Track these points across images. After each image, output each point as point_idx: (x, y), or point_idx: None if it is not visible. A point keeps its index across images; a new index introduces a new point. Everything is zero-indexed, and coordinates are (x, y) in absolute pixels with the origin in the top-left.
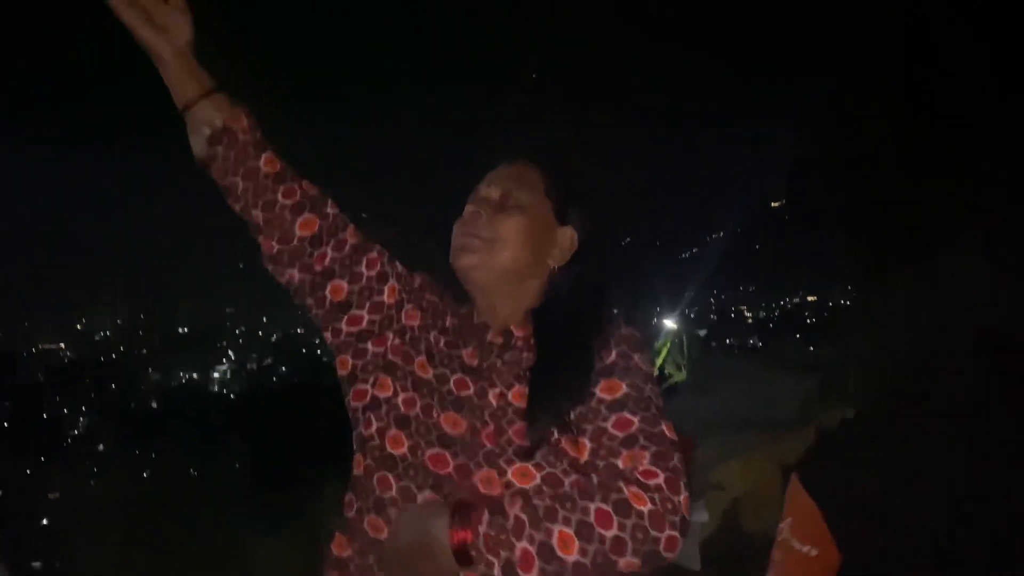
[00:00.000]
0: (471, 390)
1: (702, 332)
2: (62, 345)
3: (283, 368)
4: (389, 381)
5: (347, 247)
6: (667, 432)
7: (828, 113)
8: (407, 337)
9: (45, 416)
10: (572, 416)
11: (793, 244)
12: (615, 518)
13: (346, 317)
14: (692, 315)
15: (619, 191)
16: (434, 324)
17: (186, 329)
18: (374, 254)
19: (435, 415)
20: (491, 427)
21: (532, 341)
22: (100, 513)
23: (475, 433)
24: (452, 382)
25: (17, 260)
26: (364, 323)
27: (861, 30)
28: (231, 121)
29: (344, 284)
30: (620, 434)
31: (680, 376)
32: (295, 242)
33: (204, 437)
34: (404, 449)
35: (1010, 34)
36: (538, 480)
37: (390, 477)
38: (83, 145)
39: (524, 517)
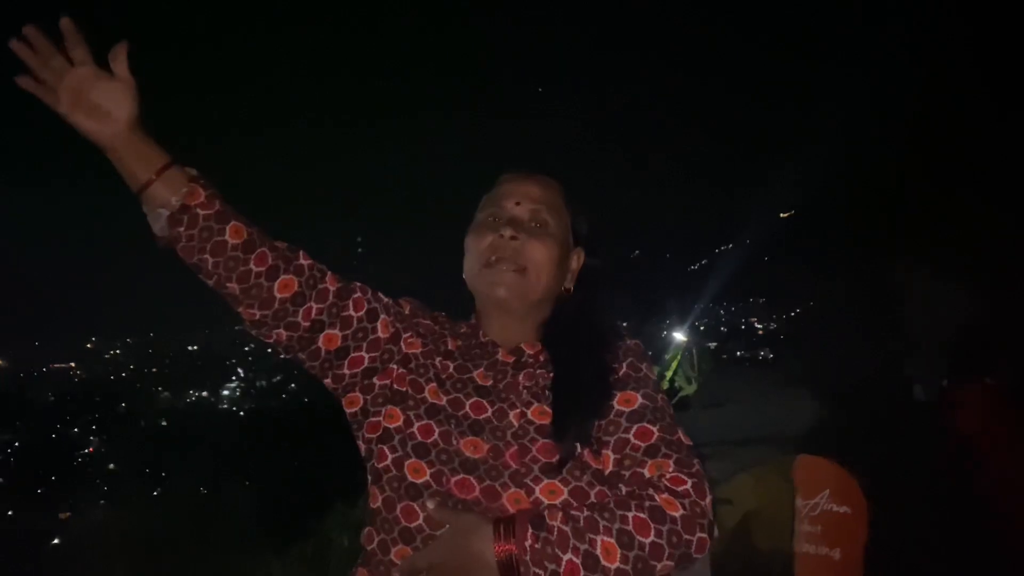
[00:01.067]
0: (488, 412)
1: (712, 345)
2: (72, 364)
3: (292, 385)
4: (398, 411)
5: (330, 296)
6: (684, 439)
7: (838, 129)
8: (412, 366)
9: (55, 436)
10: (595, 430)
11: (803, 255)
12: (652, 525)
13: (346, 361)
14: (702, 327)
15: (625, 205)
16: (436, 349)
17: (196, 347)
18: (358, 294)
19: (454, 441)
20: (514, 447)
21: (542, 358)
22: (111, 532)
23: (498, 455)
24: (468, 406)
25: (27, 280)
26: (366, 362)
27: (871, 56)
28: (188, 199)
29: (336, 332)
30: (642, 444)
31: (690, 389)
32: (276, 305)
33: (214, 456)
34: (427, 477)
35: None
36: (566, 495)
37: (415, 506)
38: (94, 165)
39: (567, 529)
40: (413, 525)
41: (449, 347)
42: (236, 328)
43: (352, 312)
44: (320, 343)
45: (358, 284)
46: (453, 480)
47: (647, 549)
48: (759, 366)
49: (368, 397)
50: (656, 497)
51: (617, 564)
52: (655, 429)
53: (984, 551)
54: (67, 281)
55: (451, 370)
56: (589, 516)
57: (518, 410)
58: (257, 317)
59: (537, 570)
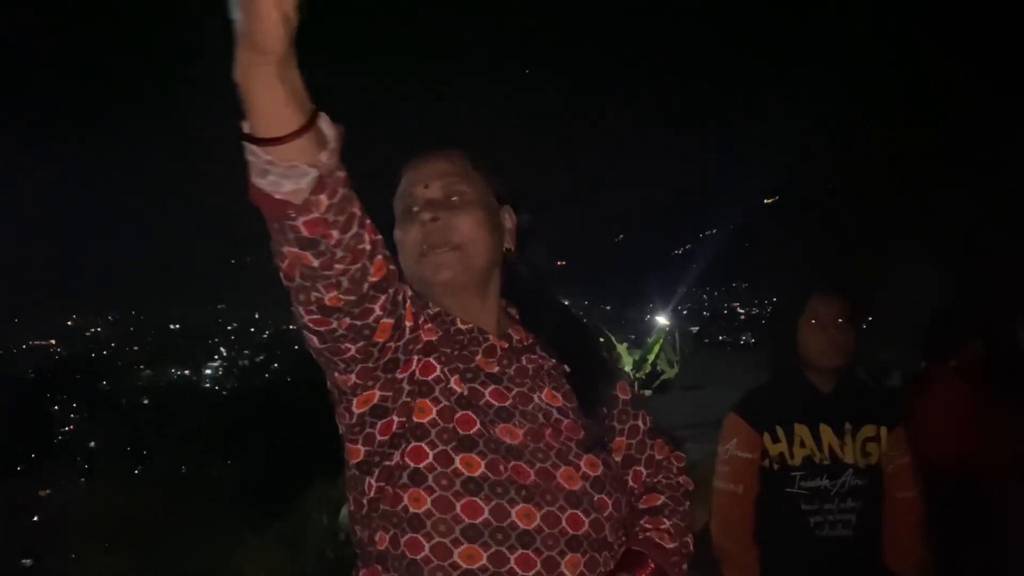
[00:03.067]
0: (510, 398)
1: (695, 329)
2: (52, 342)
3: (275, 364)
4: (428, 404)
5: (395, 280)
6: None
7: (824, 114)
8: (436, 355)
9: (35, 413)
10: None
11: (786, 241)
12: (685, 512)
13: (381, 352)
14: (685, 312)
15: (611, 188)
16: (447, 337)
17: (178, 325)
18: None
19: (491, 430)
20: (549, 428)
21: (530, 341)
22: (91, 509)
23: (538, 437)
24: (488, 394)
25: (6, 257)
26: (391, 352)
27: (854, 43)
28: (341, 169)
29: (389, 321)
30: (645, 427)
31: (672, 372)
32: (365, 288)
33: (196, 434)
34: (483, 468)
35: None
36: (602, 467)
37: (478, 501)
38: (74, 143)
39: (677, 546)
40: (479, 520)
41: (431, 339)
42: (219, 307)
43: (400, 297)
44: (376, 337)
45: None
46: (510, 467)
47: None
48: (740, 350)
49: (388, 394)
50: (681, 481)
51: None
52: (646, 414)
53: (950, 525)
54: (47, 257)
55: (455, 360)
56: (677, 523)
57: (537, 394)
58: (341, 304)
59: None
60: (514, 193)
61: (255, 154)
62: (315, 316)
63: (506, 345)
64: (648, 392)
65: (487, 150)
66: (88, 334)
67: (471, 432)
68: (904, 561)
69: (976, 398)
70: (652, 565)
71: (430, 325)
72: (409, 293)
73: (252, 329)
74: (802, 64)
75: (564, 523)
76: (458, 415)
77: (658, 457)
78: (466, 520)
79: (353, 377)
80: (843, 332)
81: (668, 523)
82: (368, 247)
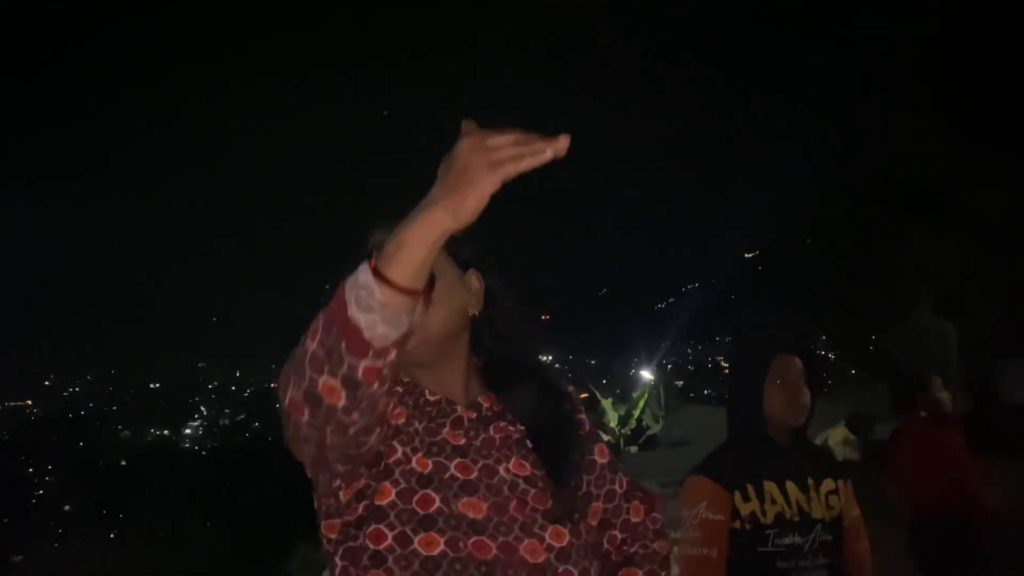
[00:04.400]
0: (475, 471)
1: (679, 383)
2: (29, 402)
3: (256, 423)
4: (388, 486)
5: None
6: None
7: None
8: (401, 437)
9: (10, 475)
10: (585, 484)
11: (769, 295)
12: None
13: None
14: (669, 366)
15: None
16: (412, 415)
17: (158, 384)
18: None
19: (453, 505)
20: (514, 501)
21: (498, 409)
22: (66, 574)
23: (502, 511)
24: (453, 468)
25: None
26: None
27: (830, 98)
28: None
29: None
30: (621, 490)
31: (657, 428)
32: (365, 446)
33: (175, 496)
34: (442, 546)
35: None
36: (568, 536)
37: None
38: (53, 201)
39: None
40: None
41: (416, 409)
42: (200, 365)
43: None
44: (364, 457)
45: None
46: (470, 543)
47: None
48: (725, 404)
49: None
50: (656, 549)
51: None
52: (623, 476)
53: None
54: (24, 315)
55: (421, 434)
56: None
57: (504, 465)
58: (338, 444)
59: None
60: (480, 255)
61: (371, 292)
62: (311, 450)
63: (474, 415)
64: (634, 449)
65: None
66: (66, 394)
67: (431, 511)
68: None
69: (947, 446)
70: None
71: (398, 409)
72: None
73: (233, 387)
74: (783, 114)
75: None
76: (418, 495)
77: (634, 520)
78: None
79: (339, 481)
80: (806, 391)
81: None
82: (382, 411)
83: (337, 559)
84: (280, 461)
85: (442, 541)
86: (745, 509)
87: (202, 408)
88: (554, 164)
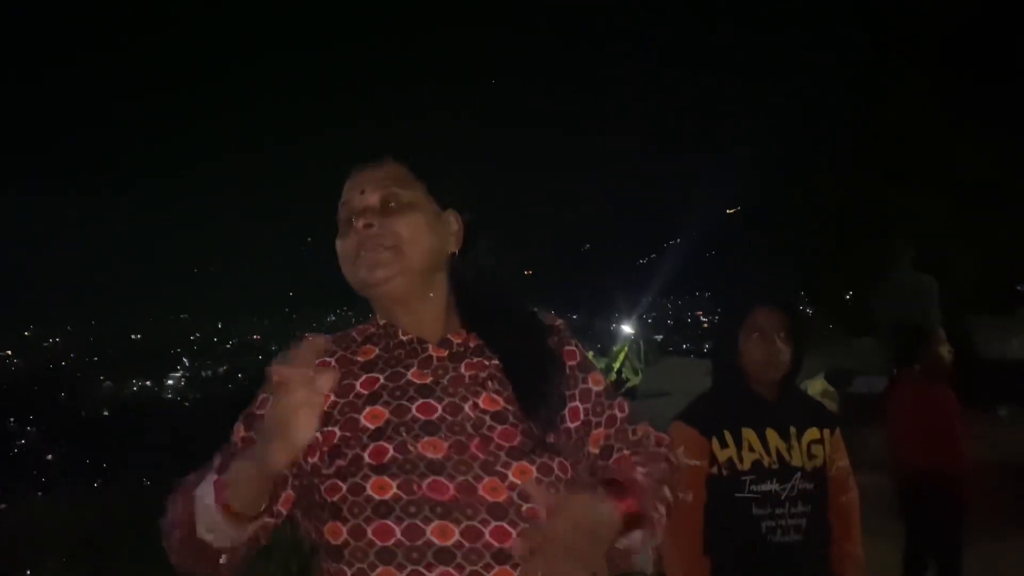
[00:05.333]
0: (439, 410)
1: (659, 337)
2: (9, 353)
3: (239, 375)
4: (340, 460)
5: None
6: None
7: (784, 125)
8: (335, 415)
9: None
10: (578, 411)
11: (749, 250)
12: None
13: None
14: (649, 320)
15: (579, 198)
16: (352, 374)
17: (139, 336)
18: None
19: (412, 448)
20: (477, 439)
21: (472, 344)
22: (49, 525)
23: (462, 449)
24: (415, 409)
25: None
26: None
27: (815, 52)
28: (250, 543)
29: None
30: (622, 414)
31: (636, 380)
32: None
33: (158, 446)
34: (395, 490)
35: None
36: (535, 472)
37: (389, 523)
38: (35, 155)
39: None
40: (391, 542)
41: (367, 359)
42: (181, 316)
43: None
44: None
45: None
46: (424, 484)
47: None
48: (704, 358)
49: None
50: (664, 451)
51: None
52: (624, 402)
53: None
54: (2, 267)
55: (382, 381)
56: (647, 473)
57: (470, 402)
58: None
59: (654, 512)
60: (460, 196)
61: (214, 514)
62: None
63: (444, 353)
64: None
65: (452, 157)
66: (46, 344)
67: (384, 460)
68: (845, 564)
69: (942, 399)
70: (628, 499)
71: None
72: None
73: (215, 339)
74: (769, 73)
75: (488, 536)
76: (369, 449)
77: (640, 436)
78: (378, 543)
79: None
80: (784, 345)
81: (643, 469)
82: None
83: (300, 518)
84: None
85: (394, 485)
86: (722, 455)
87: (184, 360)
88: (537, 114)
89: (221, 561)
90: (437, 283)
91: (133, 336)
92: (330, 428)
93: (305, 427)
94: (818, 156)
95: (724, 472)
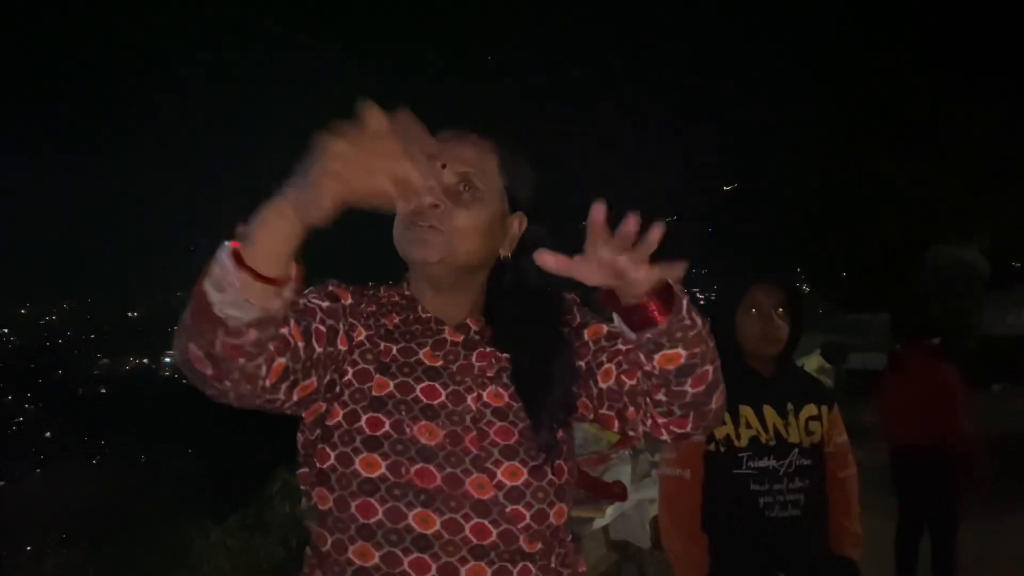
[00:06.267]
0: (443, 396)
1: None
2: (5, 331)
3: None
4: (337, 407)
5: (301, 354)
6: None
7: (779, 102)
8: (357, 355)
9: None
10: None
11: (745, 228)
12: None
13: (320, 390)
14: None
15: (572, 175)
16: (378, 332)
17: (135, 313)
18: (316, 324)
19: (407, 429)
20: (473, 433)
21: (488, 335)
22: (47, 501)
23: (456, 441)
24: (419, 390)
25: None
26: (328, 376)
27: (809, 28)
28: (285, 317)
29: (313, 381)
30: (625, 348)
31: None
32: (261, 390)
33: (155, 423)
34: (383, 470)
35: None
36: (526, 475)
37: (372, 502)
38: (28, 130)
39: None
40: (372, 521)
41: (389, 326)
42: (177, 294)
43: (320, 349)
44: (296, 396)
45: (308, 303)
46: (412, 470)
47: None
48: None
49: (329, 403)
50: None
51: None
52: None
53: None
54: None
55: (395, 352)
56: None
57: (475, 393)
58: (233, 400)
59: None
60: (533, 202)
61: (226, 270)
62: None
63: (460, 338)
64: None
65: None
66: (43, 322)
67: (378, 434)
68: (843, 540)
69: (947, 374)
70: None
71: (357, 327)
72: (333, 311)
73: None
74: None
75: (468, 531)
76: (368, 416)
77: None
78: (360, 519)
79: (296, 408)
80: (781, 321)
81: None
82: (263, 378)
83: (301, 478)
84: None
85: (383, 465)
86: (720, 432)
87: None
88: (534, 90)
89: (248, 337)
90: (477, 279)
91: (130, 314)
92: (353, 357)
93: (374, 173)
94: (812, 131)
95: (721, 449)
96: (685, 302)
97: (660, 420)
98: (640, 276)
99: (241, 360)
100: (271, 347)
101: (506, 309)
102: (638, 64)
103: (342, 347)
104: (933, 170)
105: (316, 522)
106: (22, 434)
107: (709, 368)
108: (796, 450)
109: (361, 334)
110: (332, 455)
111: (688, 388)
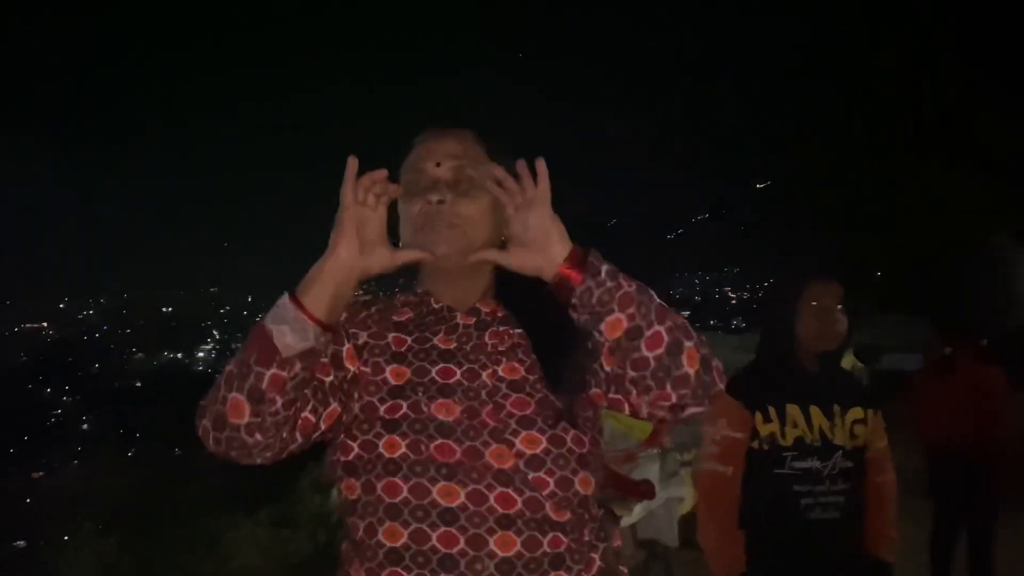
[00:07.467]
0: (458, 375)
1: (686, 314)
2: (44, 325)
3: None
4: (354, 403)
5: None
6: None
7: (814, 100)
8: (365, 355)
9: (27, 395)
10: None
11: (777, 226)
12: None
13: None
14: (677, 296)
15: (605, 174)
16: (386, 327)
17: (170, 308)
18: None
19: (425, 408)
20: (490, 406)
21: (500, 315)
22: (84, 492)
23: (474, 415)
24: (435, 372)
25: None
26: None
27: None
28: (320, 364)
29: (337, 406)
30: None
31: None
32: (284, 439)
33: (188, 417)
34: (403, 449)
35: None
36: (545, 443)
37: (397, 480)
38: (66, 132)
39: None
40: (398, 499)
41: (400, 320)
42: (211, 289)
43: (329, 378)
44: (324, 425)
45: None
46: (432, 446)
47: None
48: (731, 334)
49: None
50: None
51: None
52: None
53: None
54: (39, 240)
55: (409, 342)
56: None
57: (490, 369)
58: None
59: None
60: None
61: (285, 308)
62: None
63: (472, 320)
64: None
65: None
66: (80, 317)
67: (396, 416)
68: (879, 544)
69: (992, 377)
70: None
71: (359, 331)
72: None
73: (245, 312)
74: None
75: (492, 501)
76: (386, 405)
77: None
78: (387, 500)
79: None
80: (840, 317)
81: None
82: (285, 438)
83: (330, 473)
84: None
85: (403, 444)
86: (765, 430)
87: (215, 332)
88: (560, 88)
89: (295, 369)
90: (487, 264)
91: (164, 309)
92: (363, 358)
93: (372, 230)
94: (848, 130)
95: (765, 447)
96: (605, 267)
97: (645, 398)
98: (535, 194)
99: (278, 400)
100: (306, 392)
101: (515, 288)
102: (680, 63)
103: (350, 366)
104: (971, 170)
105: (348, 513)
106: (59, 427)
107: (660, 329)
108: (840, 452)
109: (363, 337)
110: (355, 446)
111: (646, 352)
